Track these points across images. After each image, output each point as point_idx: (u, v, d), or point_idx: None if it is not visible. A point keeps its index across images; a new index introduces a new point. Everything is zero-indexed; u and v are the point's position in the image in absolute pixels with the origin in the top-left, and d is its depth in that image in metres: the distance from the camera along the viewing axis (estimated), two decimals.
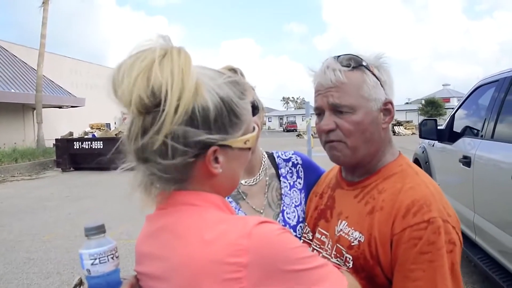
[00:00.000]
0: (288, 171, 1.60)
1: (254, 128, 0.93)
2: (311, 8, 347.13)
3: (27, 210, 8.36)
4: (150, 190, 0.86)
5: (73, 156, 15.47)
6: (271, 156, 1.64)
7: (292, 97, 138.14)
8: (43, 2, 20.82)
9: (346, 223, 1.19)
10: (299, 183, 1.58)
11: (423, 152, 5.71)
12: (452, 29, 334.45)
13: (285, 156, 1.64)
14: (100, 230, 0.90)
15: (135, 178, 0.86)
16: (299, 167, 1.61)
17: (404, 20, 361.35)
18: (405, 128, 44.31)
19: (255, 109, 1.32)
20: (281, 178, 1.58)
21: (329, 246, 1.24)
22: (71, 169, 15.69)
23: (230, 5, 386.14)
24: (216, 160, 0.85)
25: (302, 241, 1.39)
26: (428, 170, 5.38)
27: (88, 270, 0.88)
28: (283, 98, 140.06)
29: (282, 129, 75.64)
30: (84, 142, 15.42)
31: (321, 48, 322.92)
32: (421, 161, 5.66)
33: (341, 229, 1.20)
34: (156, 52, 0.78)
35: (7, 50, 24.58)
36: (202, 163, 0.84)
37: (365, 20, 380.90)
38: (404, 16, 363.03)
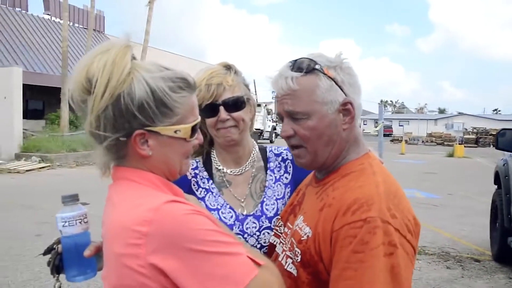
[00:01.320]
0: (276, 165, 1.67)
1: (193, 121, 1.05)
2: (415, 8, 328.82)
3: None
4: (103, 164, 1.05)
5: None
6: (263, 150, 1.72)
7: (391, 101, 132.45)
8: (149, 2, 22.59)
9: (303, 218, 1.21)
10: (286, 178, 1.65)
11: (504, 165, 5.28)
12: None
13: (277, 151, 1.71)
14: (73, 198, 1.10)
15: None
16: (288, 162, 1.68)
17: None
18: None
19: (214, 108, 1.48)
20: (268, 171, 1.65)
21: (288, 240, 1.26)
22: None
23: (330, 4, 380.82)
24: (147, 143, 1.00)
25: (273, 232, 1.45)
26: (507, 185, 4.99)
27: (61, 231, 1.08)
28: (381, 101, 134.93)
29: (377, 134, 72.24)
30: None
31: (424, 50, 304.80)
32: (501, 175, 5.23)
33: (297, 224, 1.22)
34: (102, 48, 0.98)
35: None
36: (132, 144, 1.00)
37: (474, 19, 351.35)
38: None
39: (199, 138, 1.10)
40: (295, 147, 1.22)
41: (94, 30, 25.00)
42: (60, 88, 18.65)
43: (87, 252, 1.09)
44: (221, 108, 1.52)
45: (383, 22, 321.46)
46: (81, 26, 29.42)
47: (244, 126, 1.57)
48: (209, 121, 1.54)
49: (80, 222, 1.09)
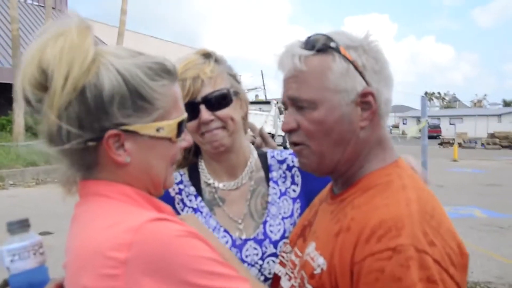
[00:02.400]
0: (280, 175, 1.67)
1: (178, 117, 1.05)
2: None
3: None
4: (67, 179, 1.04)
5: None
6: (262, 156, 1.71)
7: (438, 93, 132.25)
8: None
9: (315, 245, 1.20)
10: (294, 191, 1.65)
11: None
12: None
13: (281, 156, 1.70)
14: (22, 225, 1.07)
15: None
16: (295, 171, 1.67)
17: None
18: None
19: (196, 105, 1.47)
20: (270, 183, 1.65)
21: (297, 271, 1.26)
22: None
23: None
24: (122, 147, 0.99)
25: (279, 260, 1.44)
26: None
27: (8, 269, 1.04)
28: (426, 93, 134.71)
29: (419, 135, 71.53)
30: None
31: (482, 24, 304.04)
32: None
33: (308, 252, 1.21)
34: (56, 30, 0.97)
35: None
36: (104, 149, 0.98)
37: None
38: None
39: (187, 138, 1.11)
40: (297, 144, 1.22)
41: (53, 8, 25.18)
42: (12, 84, 18.55)
43: None
44: (202, 107, 1.52)
45: None
46: (36, 3, 29.65)
47: (234, 126, 1.57)
48: (190, 125, 1.53)
49: (34, 254, 1.06)
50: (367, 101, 1.17)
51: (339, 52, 1.16)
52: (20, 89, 0.99)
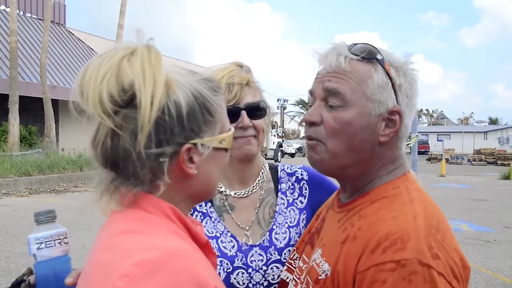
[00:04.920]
0: (289, 187, 1.72)
1: (230, 129, 1.09)
2: None
3: (84, 227, 9.16)
4: (115, 196, 1.02)
5: None
6: (273, 169, 1.77)
7: (426, 110, 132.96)
8: None
9: (321, 252, 1.22)
10: (301, 202, 1.69)
11: None
12: None
13: (290, 170, 1.76)
14: (49, 215, 1.11)
15: (99, 185, 1.02)
16: (303, 184, 1.72)
17: None
18: None
19: (237, 112, 1.53)
20: (279, 194, 1.69)
21: (303, 277, 1.27)
22: None
23: None
24: (191, 160, 1.01)
25: (286, 266, 1.47)
26: None
27: (34, 255, 1.09)
28: None
29: (409, 150, 72.44)
30: None
31: (469, 44, 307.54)
32: None
33: (315, 259, 1.23)
34: (124, 50, 0.96)
35: (83, 42, 27.23)
36: (175, 164, 0.99)
37: None
38: None
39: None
40: (312, 139, 1.23)
41: (52, 22, 25.25)
42: (8, 94, 18.76)
43: (69, 280, 1.08)
44: (243, 112, 1.58)
45: (416, 10, 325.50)
46: (35, 17, 29.65)
47: (262, 138, 1.64)
48: None
49: (59, 243, 1.11)
50: (393, 119, 1.20)
51: (383, 65, 1.19)
52: (91, 107, 0.94)
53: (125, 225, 0.98)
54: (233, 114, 1.54)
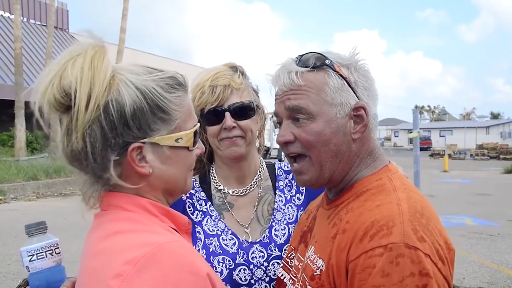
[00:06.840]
0: (286, 184, 1.74)
1: (194, 126, 1.08)
2: None
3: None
4: (94, 198, 1.04)
5: None
6: (271, 167, 1.78)
7: (428, 106, 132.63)
8: None
9: (314, 249, 1.24)
10: (298, 199, 1.71)
11: None
12: None
13: (287, 167, 1.77)
14: (40, 227, 1.11)
15: (82, 187, 1.05)
16: None
17: None
18: None
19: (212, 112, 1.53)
20: (277, 191, 1.71)
21: (299, 275, 1.29)
22: None
23: None
24: (144, 159, 1.00)
25: (282, 264, 1.49)
26: None
27: (27, 268, 1.09)
28: (416, 106, 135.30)
29: (412, 146, 71.93)
30: None
31: (468, 39, 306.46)
32: None
33: (309, 256, 1.25)
34: (73, 51, 0.98)
35: None
36: (126, 163, 0.99)
37: None
38: None
39: (200, 146, 1.13)
40: (295, 158, 1.25)
41: (55, 27, 25.29)
42: (14, 100, 18.80)
43: None
44: (227, 114, 1.58)
45: (414, 8, 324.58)
46: (39, 23, 29.76)
47: (251, 138, 1.63)
48: (212, 129, 1.59)
49: (51, 254, 1.12)
50: (359, 115, 1.22)
51: (333, 68, 1.21)
52: (36, 107, 0.98)
53: (111, 227, 0.99)
54: (216, 115, 1.57)
